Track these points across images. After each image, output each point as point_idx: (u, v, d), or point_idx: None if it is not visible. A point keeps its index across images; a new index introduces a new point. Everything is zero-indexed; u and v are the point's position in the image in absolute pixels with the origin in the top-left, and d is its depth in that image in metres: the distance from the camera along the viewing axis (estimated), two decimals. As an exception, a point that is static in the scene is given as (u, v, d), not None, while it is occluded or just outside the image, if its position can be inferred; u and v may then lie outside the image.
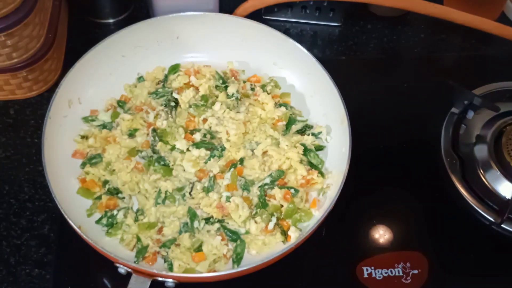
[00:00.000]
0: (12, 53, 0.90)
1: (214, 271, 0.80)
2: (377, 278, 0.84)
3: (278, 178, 0.88)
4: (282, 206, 0.86)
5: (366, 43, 1.12)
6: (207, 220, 0.84)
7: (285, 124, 0.94)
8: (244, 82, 0.99)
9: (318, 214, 0.86)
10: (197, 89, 0.97)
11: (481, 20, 1.07)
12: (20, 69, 0.93)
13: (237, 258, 0.82)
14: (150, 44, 0.99)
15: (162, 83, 0.98)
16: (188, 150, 0.90)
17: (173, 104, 0.94)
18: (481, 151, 0.93)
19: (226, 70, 1.00)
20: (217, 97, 0.96)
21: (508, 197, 0.88)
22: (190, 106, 0.95)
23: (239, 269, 0.77)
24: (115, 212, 0.84)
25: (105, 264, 0.78)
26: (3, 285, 0.82)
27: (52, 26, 0.97)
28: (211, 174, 0.88)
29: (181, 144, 0.90)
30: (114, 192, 0.86)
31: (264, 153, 0.91)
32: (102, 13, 1.10)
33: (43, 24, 0.95)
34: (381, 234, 0.89)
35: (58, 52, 1.01)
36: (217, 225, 0.84)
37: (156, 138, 0.91)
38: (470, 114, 0.97)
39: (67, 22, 1.09)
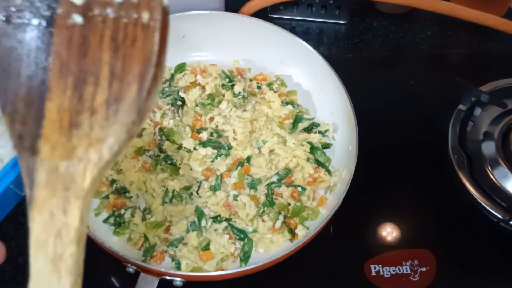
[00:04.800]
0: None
1: (222, 270, 0.80)
2: (385, 275, 0.84)
3: (285, 176, 0.88)
4: (289, 204, 0.86)
5: (373, 41, 1.12)
6: (215, 218, 0.84)
7: (292, 122, 0.94)
8: (251, 80, 0.99)
9: (325, 212, 0.86)
10: (203, 88, 0.97)
11: (488, 16, 1.06)
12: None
13: (245, 257, 0.82)
14: (156, 43, 0.99)
15: (169, 82, 0.98)
16: (195, 149, 0.90)
17: (179, 103, 0.94)
18: (488, 148, 0.93)
19: (232, 69, 1.00)
20: (223, 95, 0.96)
21: (516, 194, 0.88)
22: (196, 105, 0.95)
23: (247, 268, 0.77)
24: (122, 211, 0.84)
25: (113, 263, 0.78)
26: (12, 284, 0.82)
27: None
28: (218, 173, 0.88)
29: (188, 143, 0.90)
30: (122, 191, 0.86)
31: (271, 151, 0.91)
32: (108, 13, 1.10)
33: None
34: (389, 232, 0.89)
35: (64, 52, 1.01)
36: (224, 223, 0.84)
37: (163, 137, 0.91)
38: (478, 111, 0.97)
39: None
